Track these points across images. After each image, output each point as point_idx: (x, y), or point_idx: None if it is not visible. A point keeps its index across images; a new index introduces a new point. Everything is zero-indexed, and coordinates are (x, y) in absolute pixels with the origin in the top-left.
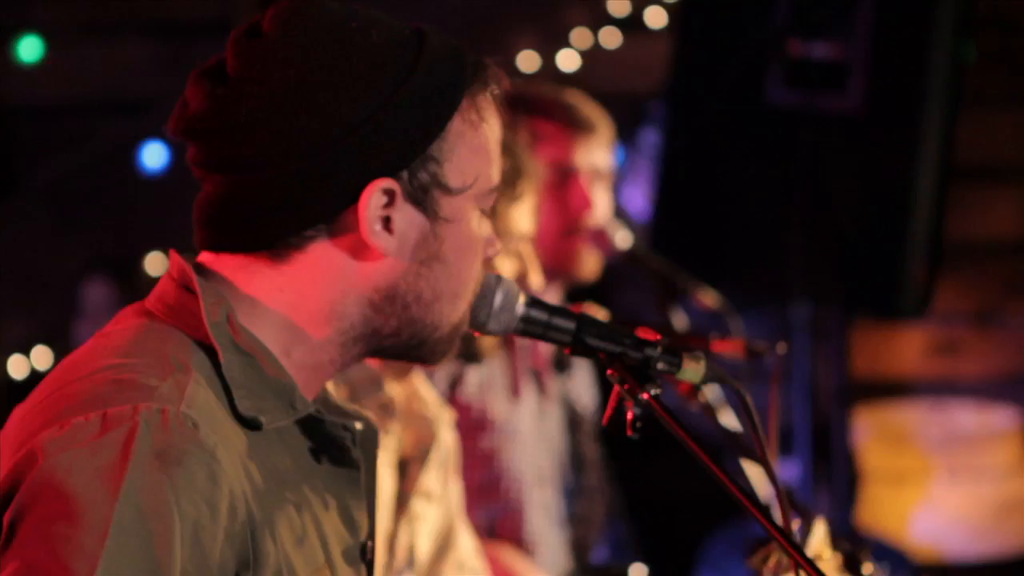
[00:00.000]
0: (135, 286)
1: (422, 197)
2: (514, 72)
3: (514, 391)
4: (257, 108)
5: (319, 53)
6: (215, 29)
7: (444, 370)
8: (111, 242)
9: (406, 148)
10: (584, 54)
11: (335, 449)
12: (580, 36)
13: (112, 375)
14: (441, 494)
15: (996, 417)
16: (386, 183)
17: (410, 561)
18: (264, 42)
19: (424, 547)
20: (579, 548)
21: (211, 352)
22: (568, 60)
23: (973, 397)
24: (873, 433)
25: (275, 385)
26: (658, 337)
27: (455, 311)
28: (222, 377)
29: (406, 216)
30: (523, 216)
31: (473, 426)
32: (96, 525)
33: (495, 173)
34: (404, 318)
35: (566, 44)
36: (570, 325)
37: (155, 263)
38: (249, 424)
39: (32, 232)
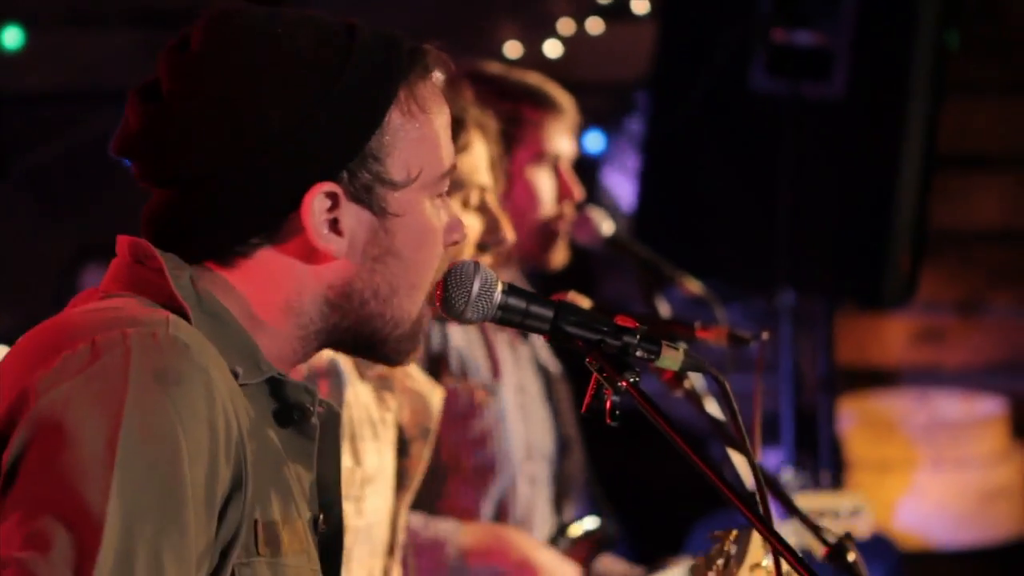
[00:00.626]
0: None
1: (366, 195)
2: (499, 60)
3: (494, 372)
4: (188, 124)
5: (244, 63)
6: (197, 17)
7: (424, 352)
8: (97, 230)
9: (342, 149)
10: (568, 42)
11: (298, 412)
12: (564, 24)
13: (97, 313)
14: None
15: (980, 405)
16: (327, 186)
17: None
18: (191, 56)
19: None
20: (559, 504)
21: (179, 312)
22: (553, 48)
23: (957, 385)
24: (857, 421)
25: (240, 345)
26: (636, 325)
27: (414, 303)
28: None
29: (353, 215)
30: (476, 168)
31: (462, 412)
32: (102, 452)
33: (445, 159)
34: (363, 314)
35: (551, 32)
36: (548, 313)
37: None
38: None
39: (17, 221)
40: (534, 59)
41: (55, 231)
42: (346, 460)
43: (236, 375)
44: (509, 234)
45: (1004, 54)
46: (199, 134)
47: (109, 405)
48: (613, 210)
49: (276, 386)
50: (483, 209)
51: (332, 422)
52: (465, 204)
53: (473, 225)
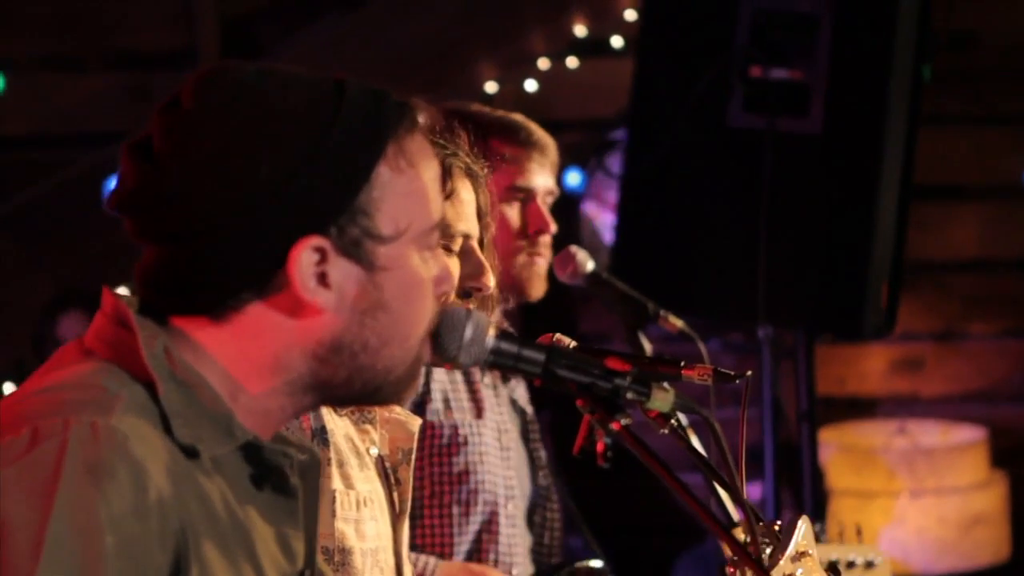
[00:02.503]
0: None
1: (355, 250)
2: (478, 98)
3: (477, 412)
4: (180, 182)
5: (233, 122)
6: (178, 60)
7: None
8: (78, 274)
9: (331, 204)
10: (546, 79)
11: (275, 477)
12: (542, 62)
13: (44, 396)
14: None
15: (959, 433)
16: (315, 241)
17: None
18: (181, 115)
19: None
20: (539, 553)
21: (148, 386)
22: (531, 86)
23: (936, 414)
24: (837, 451)
25: (213, 414)
26: (627, 367)
27: (407, 352)
28: (159, 407)
29: (341, 270)
30: (460, 215)
31: (445, 446)
32: (29, 545)
33: (433, 212)
34: (353, 367)
35: (529, 70)
36: (540, 357)
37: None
38: (187, 452)
39: None
40: (513, 96)
41: (35, 274)
42: (337, 484)
43: (195, 452)
44: (491, 281)
45: (978, 85)
46: (190, 192)
47: (41, 498)
48: (593, 246)
49: (252, 451)
50: (466, 255)
51: (314, 470)
52: (447, 250)
53: (455, 270)
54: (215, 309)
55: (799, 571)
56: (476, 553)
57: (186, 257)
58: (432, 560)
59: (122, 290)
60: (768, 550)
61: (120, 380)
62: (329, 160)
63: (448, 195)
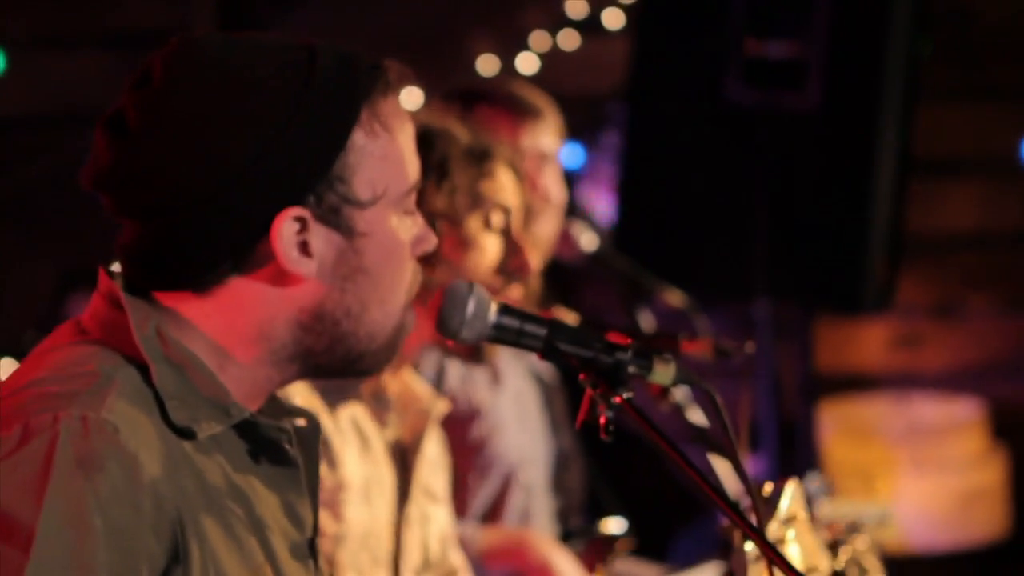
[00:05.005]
0: None
1: (334, 217)
2: (473, 76)
3: (494, 379)
4: (154, 158)
5: (204, 97)
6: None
7: (430, 363)
8: (77, 254)
9: (308, 173)
10: (542, 56)
11: (272, 450)
12: (538, 39)
13: (36, 389)
14: (444, 496)
15: (959, 408)
16: (294, 211)
17: (426, 562)
18: (152, 91)
19: (435, 549)
20: (562, 516)
21: (141, 367)
22: (527, 63)
23: (935, 389)
24: (837, 427)
25: (208, 394)
26: (629, 341)
27: (387, 316)
28: (153, 389)
29: (321, 238)
30: (500, 188)
31: (462, 418)
32: (21, 538)
33: (410, 175)
34: (336, 334)
35: (524, 47)
36: (542, 331)
37: None
38: (182, 433)
39: None
40: (508, 74)
41: (33, 254)
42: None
43: (191, 433)
44: (532, 261)
45: (975, 59)
46: (165, 167)
47: (32, 493)
48: (592, 224)
49: (248, 428)
50: (505, 233)
51: (313, 435)
52: (486, 225)
53: (492, 248)
54: (197, 284)
55: (790, 534)
56: (490, 518)
57: (165, 233)
58: (471, 527)
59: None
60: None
61: (114, 362)
62: (303, 130)
63: (487, 174)
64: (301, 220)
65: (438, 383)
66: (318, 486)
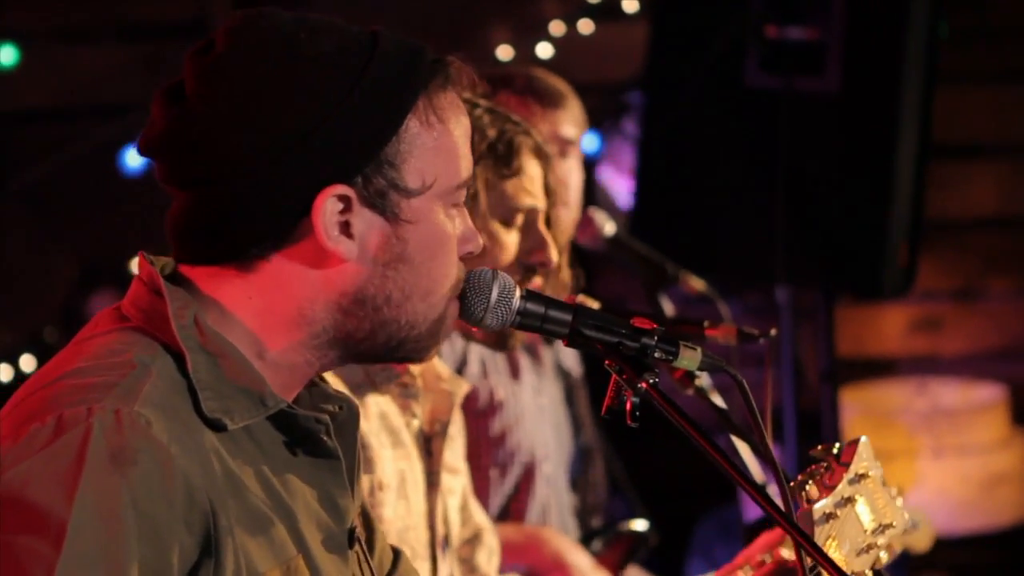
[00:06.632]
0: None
1: (379, 201)
2: (493, 65)
3: (513, 372)
4: (209, 125)
5: (265, 66)
6: (191, 30)
7: (449, 350)
8: (95, 247)
9: (357, 154)
10: (560, 44)
11: (310, 442)
12: (556, 26)
13: (72, 380)
14: (463, 467)
15: (979, 392)
16: (340, 189)
17: (446, 537)
18: (214, 59)
19: (455, 521)
20: (584, 513)
21: (178, 355)
22: (544, 50)
23: (956, 373)
24: (858, 412)
25: (244, 384)
26: (654, 326)
27: (430, 308)
28: (188, 379)
29: (364, 220)
30: (524, 190)
31: (483, 410)
32: (53, 532)
33: (462, 169)
34: (376, 320)
35: (542, 34)
36: (567, 317)
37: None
38: (214, 425)
39: (16, 237)
40: (526, 62)
41: (52, 247)
42: None
43: (222, 426)
44: (554, 256)
45: (995, 41)
46: (218, 135)
47: (65, 486)
48: (611, 210)
49: (286, 418)
50: (528, 228)
51: (352, 422)
52: (507, 224)
53: (512, 243)
54: (240, 256)
55: (859, 495)
56: (510, 511)
57: (212, 202)
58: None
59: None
60: (823, 473)
61: (152, 352)
62: (357, 109)
63: (516, 171)
64: (345, 199)
65: (459, 374)
66: (356, 474)
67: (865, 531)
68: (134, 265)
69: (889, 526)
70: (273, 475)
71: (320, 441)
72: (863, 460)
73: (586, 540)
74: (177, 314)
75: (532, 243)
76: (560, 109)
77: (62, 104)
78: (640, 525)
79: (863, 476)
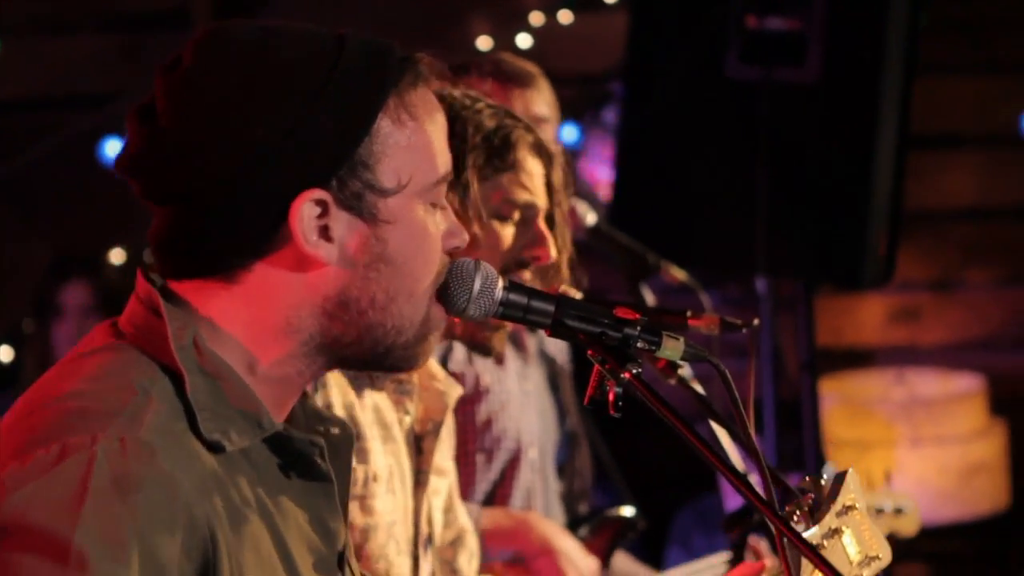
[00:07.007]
0: (103, 282)
1: (356, 203)
2: (471, 54)
3: (497, 358)
4: (180, 141)
5: (232, 77)
6: (172, 20)
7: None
8: (74, 236)
9: (331, 157)
10: (540, 34)
11: (304, 464)
12: (536, 17)
13: (75, 404)
14: (451, 468)
15: (957, 382)
16: (316, 193)
17: (430, 536)
18: (181, 74)
19: (439, 521)
20: (570, 500)
21: (176, 376)
22: (524, 41)
23: (934, 363)
24: (836, 402)
25: (241, 406)
26: (637, 316)
27: (415, 310)
28: (186, 401)
29: (343, 223)
30: (519, 185)
31: (468, 396)
32: (57, 557)
33: (439, 166)
34: (362, 324)
35: (522, 25)
36: (549, 307)
37: (119, 258)
38: (212, 447)
39: None
40: (506, 52)
41: (31, 236)
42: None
43: (220, 447)
44: (551, 253)
45: (975, 33)
46: (190, 150)
47: (69, 512)
48: (591, 201)
49: (280, 441)
50: (526, 224)
51: (346, 444)
52: (501, 218)
53: (507, 237)
54: (223, 268)
55: (845, 527)
56: (496, 497)
57: (191, 216)
58: (475, 508)
59: (116, 251)
60: (808, 506)
61: (150, 374)
62: (327, 112)
63: (511, 166)
64: (322, 203)
65: (444, 362)
66: (347, 496)
67: (851, 563)
68: (113, 256)
69: (875, 558)
70: (268, 498)
71: (314, 464)
72: (850, 492)
73: (573, 526)
74: (176, 335)
75: (529, 239)
76: (530, 88)
77: (40, 94)
78: (628, 511)
79: (850, 508)
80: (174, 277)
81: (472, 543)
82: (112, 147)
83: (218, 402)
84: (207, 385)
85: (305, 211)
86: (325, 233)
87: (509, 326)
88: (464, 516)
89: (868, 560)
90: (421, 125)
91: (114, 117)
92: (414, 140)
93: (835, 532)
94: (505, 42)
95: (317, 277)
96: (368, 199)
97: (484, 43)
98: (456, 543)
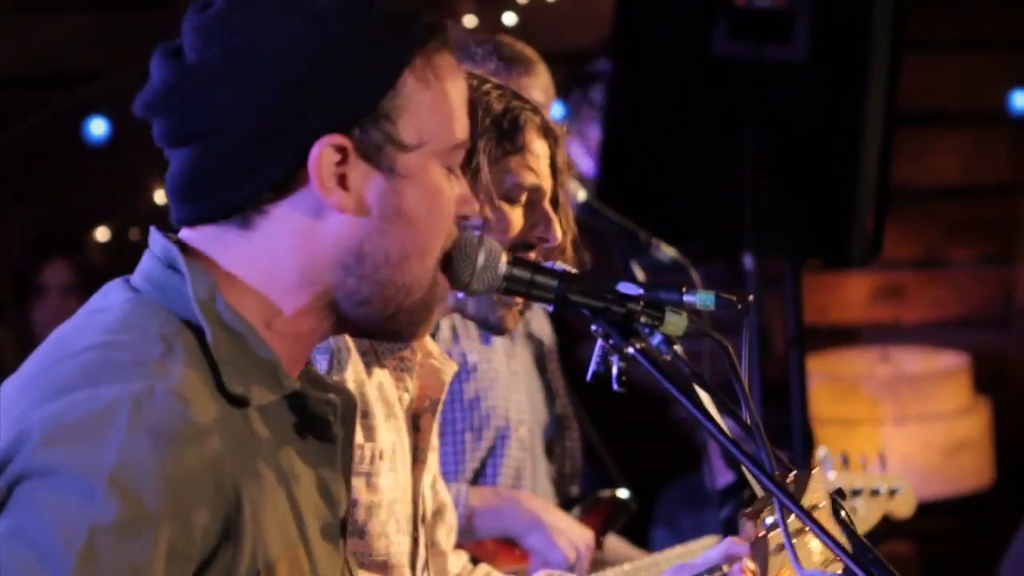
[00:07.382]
0: (86, 260)
1: (375, 154)
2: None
3: (484, 337)
4: (205, 77)
5: (262, 17)
6: (156, 0)
7: None
8: (57, 215)
9: (354, 104)
10: (526, 11)
11: (318, 425)
12: None
13: (103, 353)
14: (437, 444)
15: (942, 360)
16: (336, 139)
17: (424, 514)
18: (212, 12)
19: (428, 496)
20: (561, 481)
21: (197, 330)
22: (510, 18)
23: (918, 341)
24: (820, 380)
25: (261, 362)
26: (640, 291)
27: (425, 269)
28: (208, 355)
29: (360, 172)
30: (526, 166)
31: (456, 374)
32: (87, 503)
33: (457, 131)
34: (376, 281)
35: (508, 2)
36: (553, 282)
37: (105, 236)
38: (235, 401)
39: None
40: (492, 30)
41: (14, 215)
42: (358, 437)
43: (244, 402)
44: (557, 234)
45: (962, 10)
46: (215, 87)
47: (100, 459)
48: (582, 178)
49: (296, 400)
50: (532, 206)
51: (350, 413)
52: (511, 201)
53: (517, 220)
54: (240, 209)
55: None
56: (484, 476)
57: (209, 154)
58: (463, 487)
59: (102, 230)
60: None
61: (173, 327)
62: (354, 60)
63: (519, 148)
64: (342, 150)
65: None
66: (351, 464)
67: (814, 563)
68: (99, 234)
69: (835, 559)
70: (283, 456)
71: (328, 424)
72: (816, 491)
73: (564, 507)
74: (197, 289)
75: (535, 220)
76: (528, 75)
77: (25, 73)
78: (622, 493)
79: (814, 507)
80: (189, 223)
81: (451, 518)
82: (97, 126)
83: (239, 357)
84: (228, 339)
85: (325, 156)
86: (343, 181)
87: (521, 303)
88: (444, 490)
89: (833, 559)
90: (444, 87)
91: (99, 96)
92: (437, 101)
93: (800, 531)
94: (491, 19)
95: (333, 225)
96: (387, 151)
97: (470, 21)
98: (435, 516)
